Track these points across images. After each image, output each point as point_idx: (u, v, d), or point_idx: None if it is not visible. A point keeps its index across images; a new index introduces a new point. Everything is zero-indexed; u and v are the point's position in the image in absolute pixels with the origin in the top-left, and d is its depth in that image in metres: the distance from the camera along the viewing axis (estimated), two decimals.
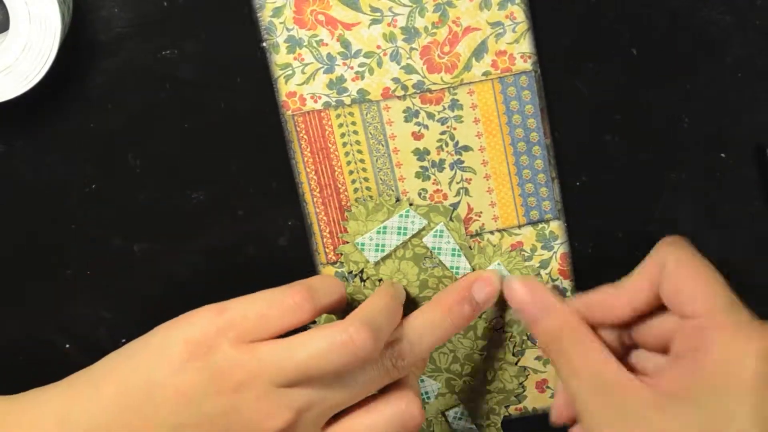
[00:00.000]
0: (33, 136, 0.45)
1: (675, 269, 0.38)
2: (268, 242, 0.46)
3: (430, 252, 0.45)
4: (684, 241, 0.40)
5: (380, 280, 0.46)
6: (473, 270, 0.45)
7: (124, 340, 0.40)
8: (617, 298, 0.40)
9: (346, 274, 0.46)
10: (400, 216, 0.45)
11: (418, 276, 0.46)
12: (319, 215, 0.45)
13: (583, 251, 0.46)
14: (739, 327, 0.36)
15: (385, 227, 0.45)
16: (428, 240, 0.45)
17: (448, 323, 0.41)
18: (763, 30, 0.44)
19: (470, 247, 0.45)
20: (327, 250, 0.46)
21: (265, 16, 0.43)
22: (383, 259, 0.45)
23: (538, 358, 0.47)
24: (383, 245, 0.45)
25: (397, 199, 0.45)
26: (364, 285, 0.46)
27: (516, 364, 0.47)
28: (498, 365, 0.47)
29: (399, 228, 0.45)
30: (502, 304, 0.45)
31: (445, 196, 0.45)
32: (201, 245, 0.46)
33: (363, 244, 0.45)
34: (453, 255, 0.45)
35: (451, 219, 0.45)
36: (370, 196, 0.45)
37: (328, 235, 0.46)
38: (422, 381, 0.47)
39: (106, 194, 0.46)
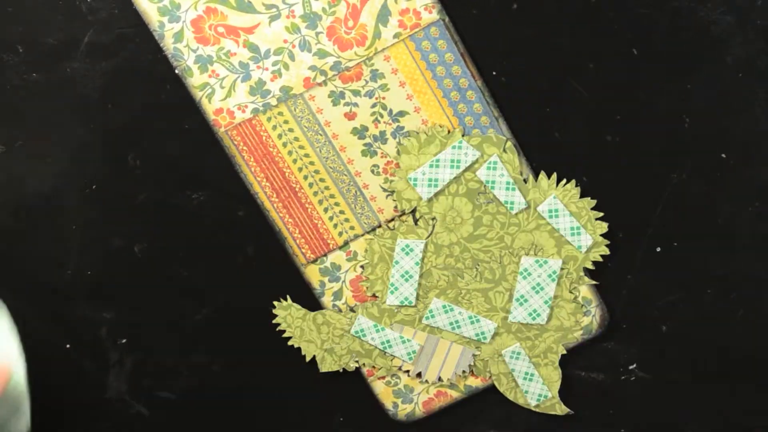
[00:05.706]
0: (33, 136, 0.45)
1: None
2: (268, 242, 0.46)
3: (484, 186, 0.44)
4: None
5: (434, 218, 0.45)
6: (527, 205, 0.44)
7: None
8: None
9: (330, 268, 0.46)
10: (453, 147, 0.44)
11: (472, 213, 0.44)
12: (284, 219, 0.45)
13: None
14: None
15: (437, 160, 0.44)
16: (482, 173, 0.44)
17: None
18: (763, 30, 0.44)
19: (525, 180, 0.44)
20: (303, 250, 0.46)
21: (168, 45, 0.43)
22: (436, 195, 0.44)
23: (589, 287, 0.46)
24: (436, 180, 0.44)
25: (449, 131, 0.44)
26: (417, 225, 0.45)
27: (573, 300, 0.46)
28: (555, 302, 0.46)
29: (452, 161, 0.44)
30: (558, 242, 0.45)
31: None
32: (201, 245, 0.46)
33: (416, 179, 0.44)
34: (507, 189, 0.44)
35: (504, 150, 0.44)
36: (326, 187, 0.44)
37: (299, 235, 0.45)
38: (478, 321, 0.46)
39: (106, 194, 0.46)
